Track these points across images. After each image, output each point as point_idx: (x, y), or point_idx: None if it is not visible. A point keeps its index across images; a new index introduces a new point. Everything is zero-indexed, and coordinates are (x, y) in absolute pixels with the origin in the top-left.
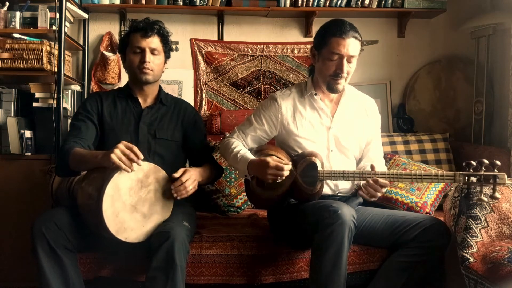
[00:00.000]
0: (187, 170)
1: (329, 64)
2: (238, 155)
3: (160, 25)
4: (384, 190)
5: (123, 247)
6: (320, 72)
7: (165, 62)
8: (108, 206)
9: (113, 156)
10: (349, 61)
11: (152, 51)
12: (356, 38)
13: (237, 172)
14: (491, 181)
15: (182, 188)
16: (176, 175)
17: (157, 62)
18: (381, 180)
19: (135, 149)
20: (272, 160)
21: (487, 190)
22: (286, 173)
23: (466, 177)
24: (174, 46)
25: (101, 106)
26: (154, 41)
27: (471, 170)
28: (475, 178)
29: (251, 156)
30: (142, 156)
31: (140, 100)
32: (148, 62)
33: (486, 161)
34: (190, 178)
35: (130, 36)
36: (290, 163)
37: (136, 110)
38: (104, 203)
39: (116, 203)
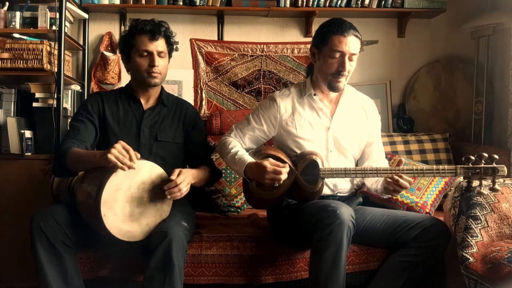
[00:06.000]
0: (182, 171)
1: (330, 62)
2: (236, 156)
3: (166, 27)
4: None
5: (122, 246)
6: (320, 70)
7: (168, 62)
8: (105, 205)
9: (109, 155)
10: (350, 59)
11: (159, 54)
12: (356, 36)
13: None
14: (490, 173)
15: (177, 190)
16: (173, 177)
17: (163, 65)
18: (405, 177)
19: (131, 152)
20: (269, 164)
21: (487, 183)
22: (284, 176)
23: (467, 171)
24: (174, 46)
25: (102, 107)
26: (161, 44)
27: (470, 164)
28: (475, 171)
29: (248, 159)
30: (138, 157)
31: (142, 101)
32: (157, 66)
33: (485, 154)
34: (185, 180)
35: (136, 38)
36: (288, 164)
37: (138, 112)
38: (102, 203)
39: (114, 203)
